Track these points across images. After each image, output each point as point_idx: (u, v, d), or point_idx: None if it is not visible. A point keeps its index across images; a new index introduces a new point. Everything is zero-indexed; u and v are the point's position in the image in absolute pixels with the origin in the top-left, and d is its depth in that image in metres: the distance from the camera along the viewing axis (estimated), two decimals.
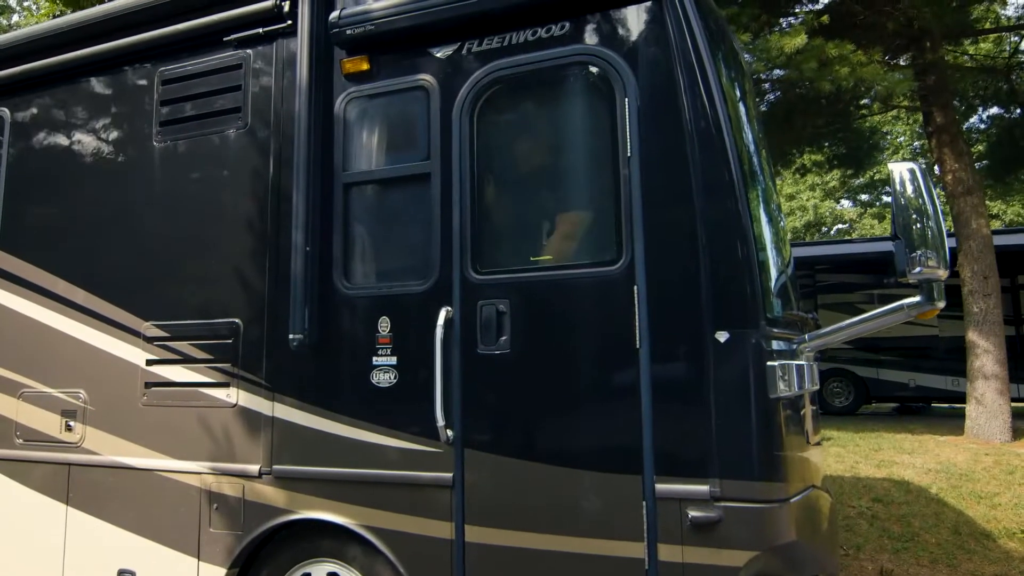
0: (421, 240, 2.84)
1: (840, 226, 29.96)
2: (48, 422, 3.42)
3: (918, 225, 2.06)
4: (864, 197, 28.51)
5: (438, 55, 2.94)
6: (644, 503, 2.39)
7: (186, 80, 3.37)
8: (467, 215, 2.78)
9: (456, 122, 2.84)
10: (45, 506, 3.38)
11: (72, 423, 3.37)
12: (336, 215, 2.99)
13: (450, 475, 2.66)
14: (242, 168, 3.21)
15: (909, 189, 2.10)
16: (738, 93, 3.11)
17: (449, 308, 2.71)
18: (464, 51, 2.90)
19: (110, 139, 3.54)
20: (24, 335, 3.55)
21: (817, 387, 2.98)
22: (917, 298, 2.18)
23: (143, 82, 3.48)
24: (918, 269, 2.07)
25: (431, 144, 2.88)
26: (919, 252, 2.05)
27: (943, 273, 2.09)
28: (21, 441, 3.47)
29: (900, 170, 2.14)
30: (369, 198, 3.05)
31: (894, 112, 17.29)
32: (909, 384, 12.81)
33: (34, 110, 3.76)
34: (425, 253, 2.83)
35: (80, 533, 3.28)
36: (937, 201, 2.12)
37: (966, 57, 13.20)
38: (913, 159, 23.76)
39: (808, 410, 2.77)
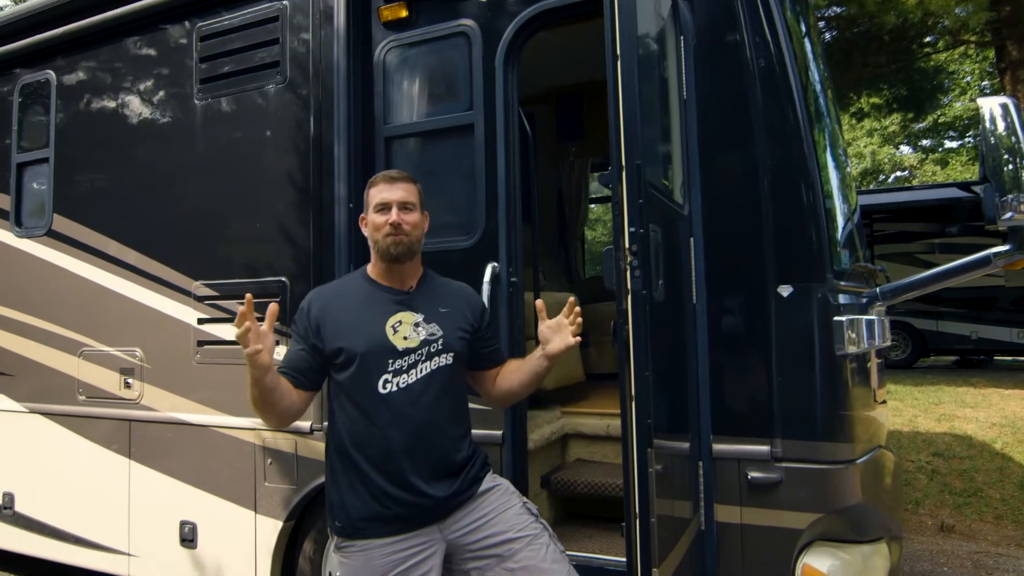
0: (466, 194, 2.76)
1: (899, 173, 28.62)
2: (108, 379, 3.52)
3: (1010, 167, 1.87)
4: (926, 142, 27.06)
5: None
6: (700, 463, 2.31)
7: (224, 35, 3.31)
8: (513, 167, 2.68)
9: (499, 69, 2.71)
10: (110, 460, 3.50)
11: (130, 380, 3.45)
12: (378, 168, 2.92)
13: (500, 432, 2.63)
14: (283, 124, 3.15)
15: (1000, 127, 1.90)
16: (803, 28, 2.88)
17: (496, 264, 2.64)
18: None
19: (152, 98, 3.52)
20: (81, 295, 3.63)
21: (888, 343, 2.82)
22: (1006, 246, 2.00)
23: (183, 39, 3.43)
24: (1009, 215, 1.89)
25: (473, 93, 2.76)
26: (1011, 196, 1.87)
27: None
28: (84, 398, 3.59)
29: (991, 105, 1.93)
30: (411, 151, 2.97)
31: (961, 49, 16.19)
32: (971, 336, 12.29)
33: (78, 72, 3.77)
34: (470, 207, 2.74)
35: (143, 486, 3.40)
36: None
37: None
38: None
39: (875, 367, 2.63)
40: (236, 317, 1.70)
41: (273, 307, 1.80)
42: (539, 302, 2.05)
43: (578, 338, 1.98)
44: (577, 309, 1.99)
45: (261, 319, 1.77)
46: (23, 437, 3.80)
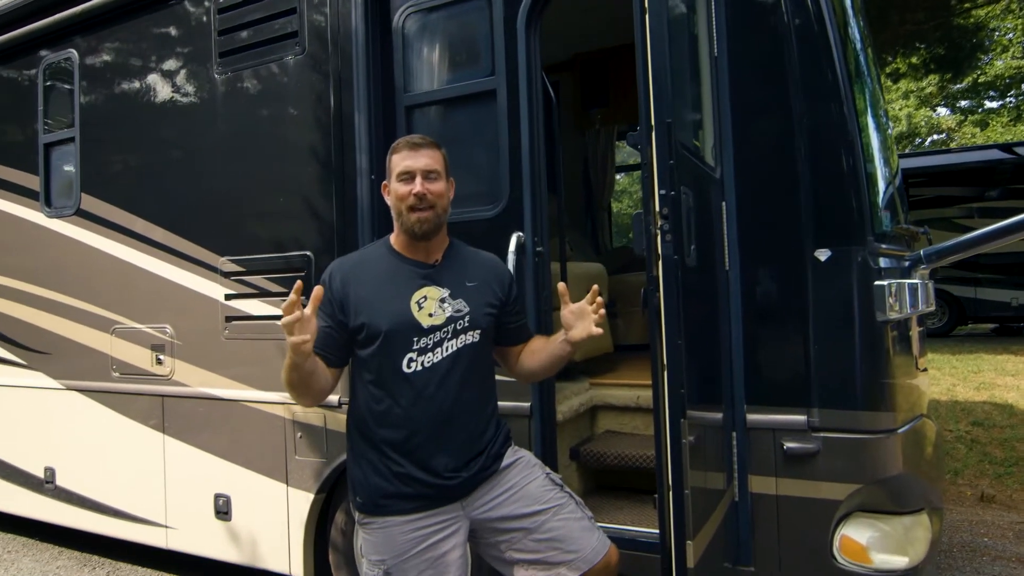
0: (489, 163, 2.70)
1: (936, 136, 27.68)
2: (140, 356, 3.56)
3: None
4: (964, 103, 26.08)
5: None
6: (734, 433, 2.26)
7: (241, 6, 3.26)
8: (537, 134, 2.61)
9: (521, 32, 2.63)
10: (145, 435, 3.55)
11: (162, 357, 3.49)
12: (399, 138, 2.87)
13: (528, 404, 2.60)
14: (303, 95, 3.11)
15: None
16: None
17: (520, 234, 2.58)
18: None
19: (172, 74, 3.50)
20: (111, 274, 3.66)
21: (932, 307, 2.71)
22: None
23: (201, 12, 3.40)
24: None
25: (495, 58, 2.69)
26: None
27: None
28: (118, 375, 3.64)
29: None
30: (433, 119, 2.91)
31: (1004, 3, 15.48)
32: (1011, 303, 11.93)
33: (100, 51, 3.76)
34: (493, 176, 2.69)
35: (178, 460, 3.45)
36: None
37: None
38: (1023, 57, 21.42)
39: (916, 333, 2.53)
40: (285, 304, 1.62)
41: (310, 288, 1.68)
42: (561, 285, 1.96)
43: (600, 330, 1.89)
44: (600, 299, 1.90)
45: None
46: (62, 413, 3.88)
